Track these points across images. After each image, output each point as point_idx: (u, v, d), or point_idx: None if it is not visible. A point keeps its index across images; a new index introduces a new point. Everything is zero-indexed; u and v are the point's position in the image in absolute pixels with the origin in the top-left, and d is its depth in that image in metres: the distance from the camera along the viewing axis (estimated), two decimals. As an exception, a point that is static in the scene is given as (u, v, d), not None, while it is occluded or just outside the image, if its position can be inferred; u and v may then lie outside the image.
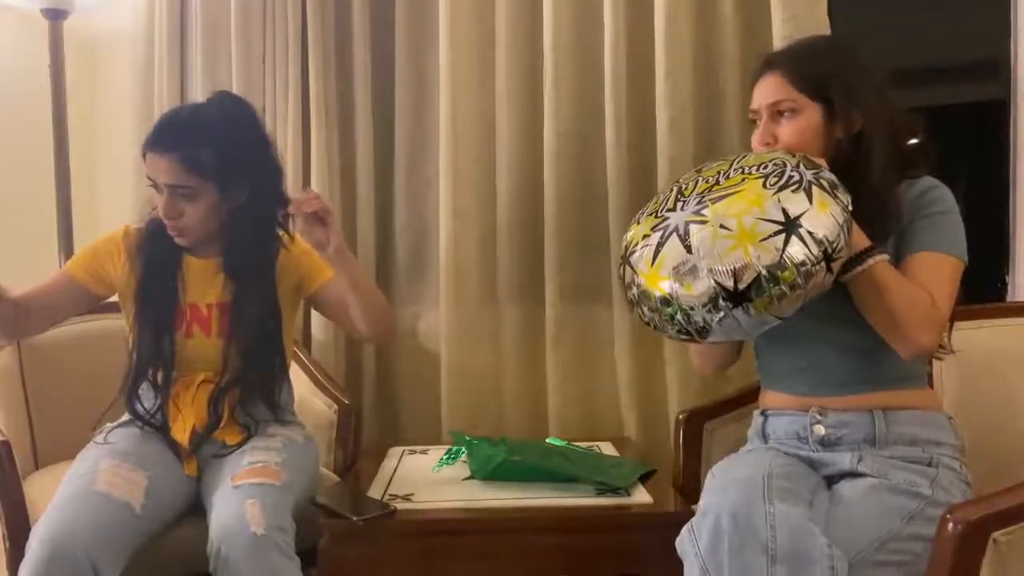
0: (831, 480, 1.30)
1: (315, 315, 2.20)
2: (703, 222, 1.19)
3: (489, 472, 1.64)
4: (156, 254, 1.61)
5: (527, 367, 2.17)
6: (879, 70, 1.36)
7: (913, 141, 1.36)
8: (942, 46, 2.22)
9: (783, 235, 1.12)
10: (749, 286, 1.12)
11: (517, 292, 2.17)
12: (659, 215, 1.29)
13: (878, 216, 1.29)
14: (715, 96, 2.04)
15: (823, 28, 1.87)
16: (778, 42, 1.86)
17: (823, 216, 1.13)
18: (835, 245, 1.13)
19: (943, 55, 2.22)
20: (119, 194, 2.30)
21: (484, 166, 2.17)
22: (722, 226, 1.16)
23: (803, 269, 1.11)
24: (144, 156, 1.54)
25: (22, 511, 1.47)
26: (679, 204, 1.27)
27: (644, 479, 1.66)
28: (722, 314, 1.14)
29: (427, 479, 1.70)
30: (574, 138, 2.10)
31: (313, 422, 1.88)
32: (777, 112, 1.34)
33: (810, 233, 1.12)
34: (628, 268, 1.27)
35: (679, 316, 1.18)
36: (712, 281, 1.13)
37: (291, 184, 2.19)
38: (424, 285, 2.27)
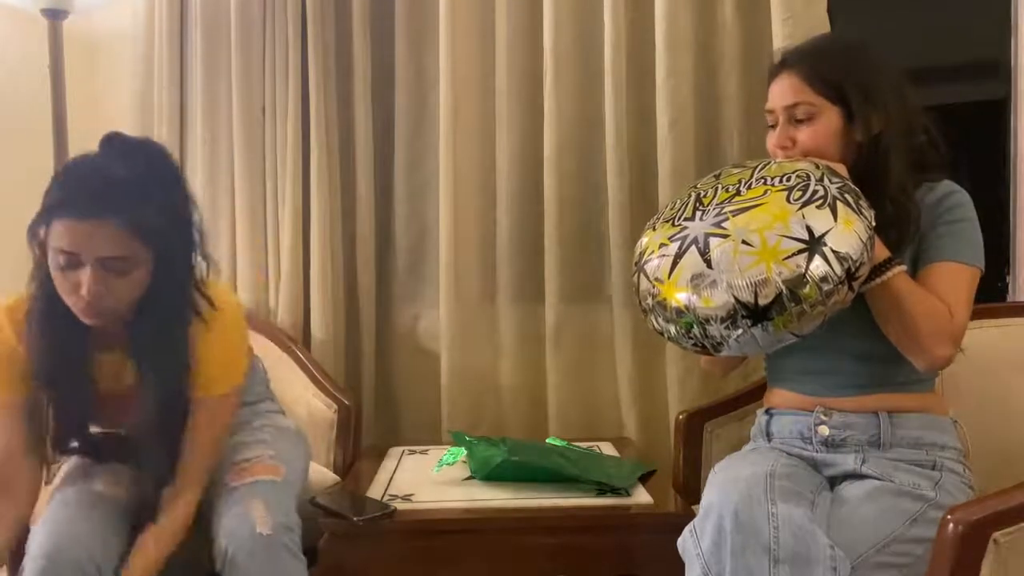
0: (834, 481, 1.30)
1: (314, 314, 2.20)
2: (724, 236, 1.17)
3: (489, 472, 1.63)
4: (57, 351, 1.34)
5: (527, 367, 2.17)
6: (895, 68, 1.34)
7: (923, 138, 1.34)
8: (942, 46, 2.22)
9: (806, 253, 1.10)
10: (770, 304, 1.10)
11: (517, 292, 2.17)
12: (676, 223, 1.26)
13: (896, 222, 1.28)
14: (715, 96, 2.03)
15: (823, 28, 1.87)
16: (778, 42, 1.86)
17: (847, 234, 1.11)
18: (858, 263, 1.11)
19: (943, 55, 2.21)
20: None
21: (484, 166, 2.17)
22: (744, 241, 1.14)
23: (825, 288, 1.10)
24: (49, 223, 1.24)
25: (22, 511, 1.47)
26: (698, 213, 1.25)
27: (644, 479, 1.66)
28: (740, 331, 1.12)
29: (427, 479, 1.70)
30: (574, 138, 2.10)
31: (313, 422, 1.88)
32: (794, 114, 1.32)
33: (834, 252, 1.10)
34: (643, 277, 1.25)
35: (695, 329, 1.16)
36: (731, 297, 1.12)
37: (291, 183, 2.20)
38: (424, 285, 2.28)
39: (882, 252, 1.22)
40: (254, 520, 1.30)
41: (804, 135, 1.31)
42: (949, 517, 1.05)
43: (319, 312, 2.19)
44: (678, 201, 1.33)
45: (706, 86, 2.03)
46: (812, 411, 1.35)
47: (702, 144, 2.03)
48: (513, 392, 2.17)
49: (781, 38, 1.86)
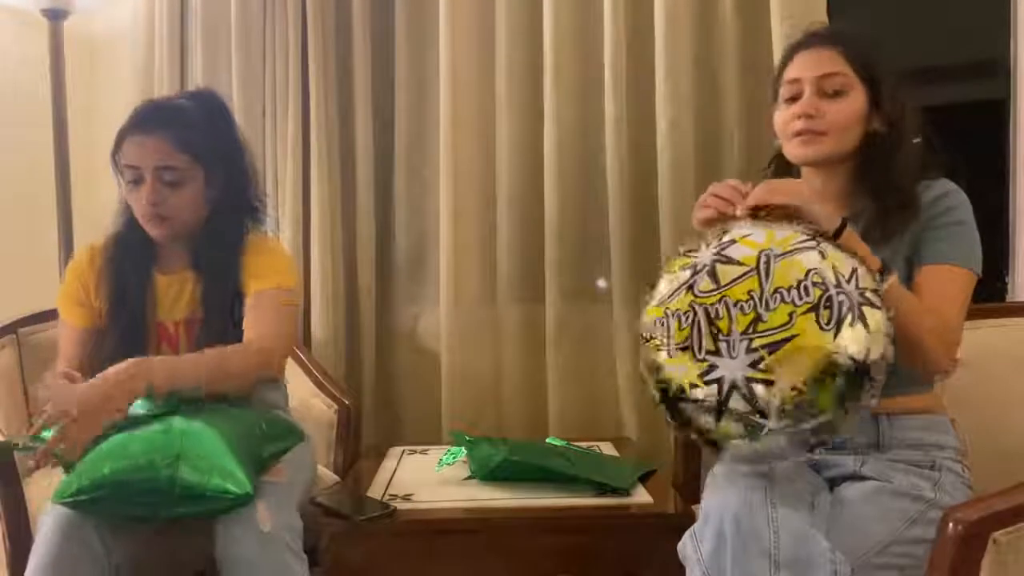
0: (833, 482, 1.30)
1: (314, 314, 2.21)
2: (768, 383, 1.09)
3: (489, 472, 1.63)
4: (124, 272, 1.54)
5: (527, 367, 2.17)
6: (896, 71, 1.35)
7: (916, 140, 1.35)
8: (942, 46, 2.22)
9: (858, 384, 1.07)
10: (821, 431, 1.08)
11: (517, 292, 2.17)
12: (699, 358, 1.15)
13: (896, 211, 1.28)
14: (715, 96, 2.04)
15: (822, 28, 1.87)
16: (778, 42, 1.86)
17: (878, 338, 1.07)
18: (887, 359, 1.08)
19: (943, 55, 2.21)
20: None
21: (484, 166, 2.17)
22: (793, 388, 1.08)
23: (871, 394, 1.08)
24: (120, 145, 1.49)
25: (22, 511, 1.47)
26: (722, 345, 1.14)
27: (644, 479, 1.66)
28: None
29: (427, 479, 1.70)
30: (574, 138, 2.10)
31: (313, 422, 1.88)
32: (824, 86, 1.30)
33: (875, 364, 1.07)
34: (686, 415, 1.16)
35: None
36: (786, 438, 1.08)
37: (291, 183, 2.20)
38: (424, 285, 2.28)
39: (874, 263, 1.19)
40: (257, 518, 1.31)
41: (833, 111, 1.29)
42: (949, 517, 1.05)
43: (319, 312, 2.20)
44: (684, 316, 1.20)
45: (706, 85, 2.03)
46: (812, 412, 1.34)
47: (702, 144, 2.03)
48: (513, 392, 2.17)
49: (781, 38, 1.86)
